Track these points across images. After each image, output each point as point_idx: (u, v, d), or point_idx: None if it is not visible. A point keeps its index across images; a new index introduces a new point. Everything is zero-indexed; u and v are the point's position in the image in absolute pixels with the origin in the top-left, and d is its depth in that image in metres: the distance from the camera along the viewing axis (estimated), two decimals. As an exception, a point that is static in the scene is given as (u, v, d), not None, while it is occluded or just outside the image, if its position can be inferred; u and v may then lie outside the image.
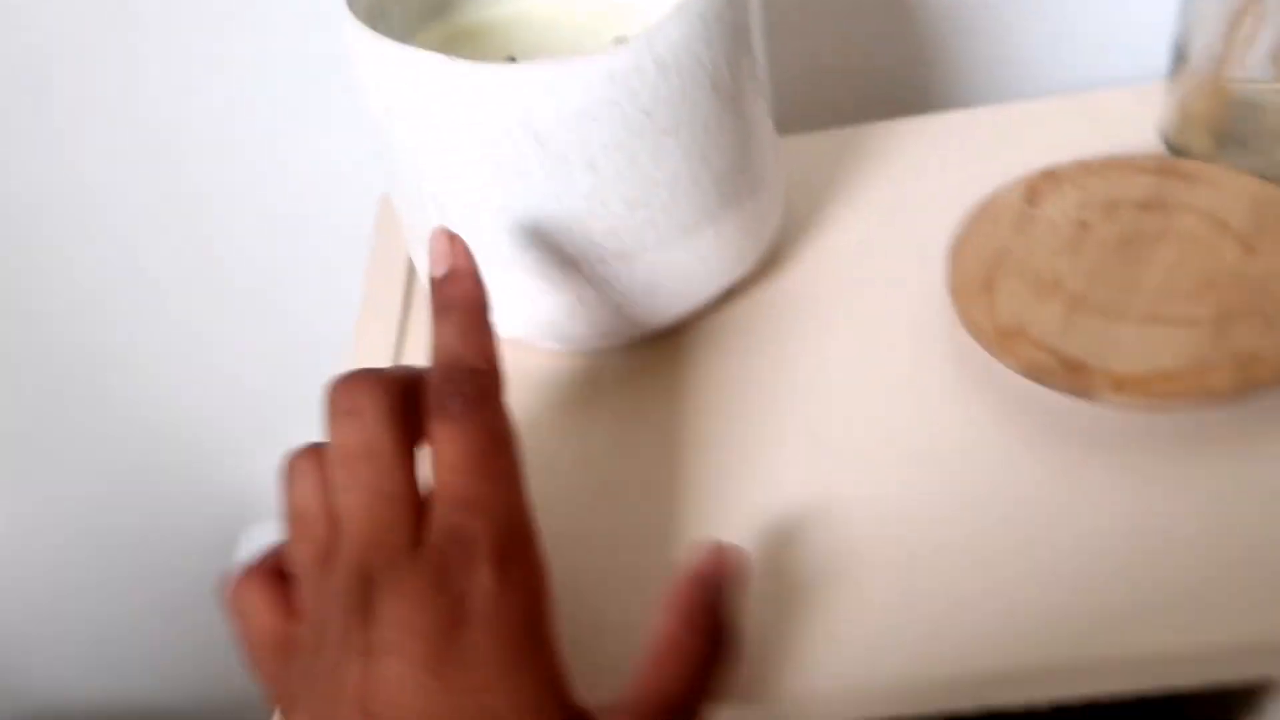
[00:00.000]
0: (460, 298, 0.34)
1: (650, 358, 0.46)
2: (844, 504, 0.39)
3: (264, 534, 0.86)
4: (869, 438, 0.41)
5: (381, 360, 0.49)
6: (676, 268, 0.43)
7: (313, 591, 0.31)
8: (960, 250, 0.44)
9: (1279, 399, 0.39)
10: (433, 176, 0.41)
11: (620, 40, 0.43)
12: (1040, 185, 0.46)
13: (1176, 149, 0.49)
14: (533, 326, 0.44)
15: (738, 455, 0.41)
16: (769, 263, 0.48)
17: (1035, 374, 0.39)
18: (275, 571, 0.33)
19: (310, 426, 0.35)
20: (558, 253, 0.41)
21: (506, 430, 0.32)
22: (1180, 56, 0.47)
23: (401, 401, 0.32)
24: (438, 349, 0.33)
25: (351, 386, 0.32)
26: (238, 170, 0.64)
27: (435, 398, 0.31)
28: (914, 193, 0.50)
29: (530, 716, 0.28)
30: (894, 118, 0.55)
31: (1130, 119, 0.51)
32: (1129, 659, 0.33)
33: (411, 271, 0.53)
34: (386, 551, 0.29)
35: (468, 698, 0.28)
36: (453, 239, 0.35)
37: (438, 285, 0.35)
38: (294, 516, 0.32)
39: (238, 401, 0.80)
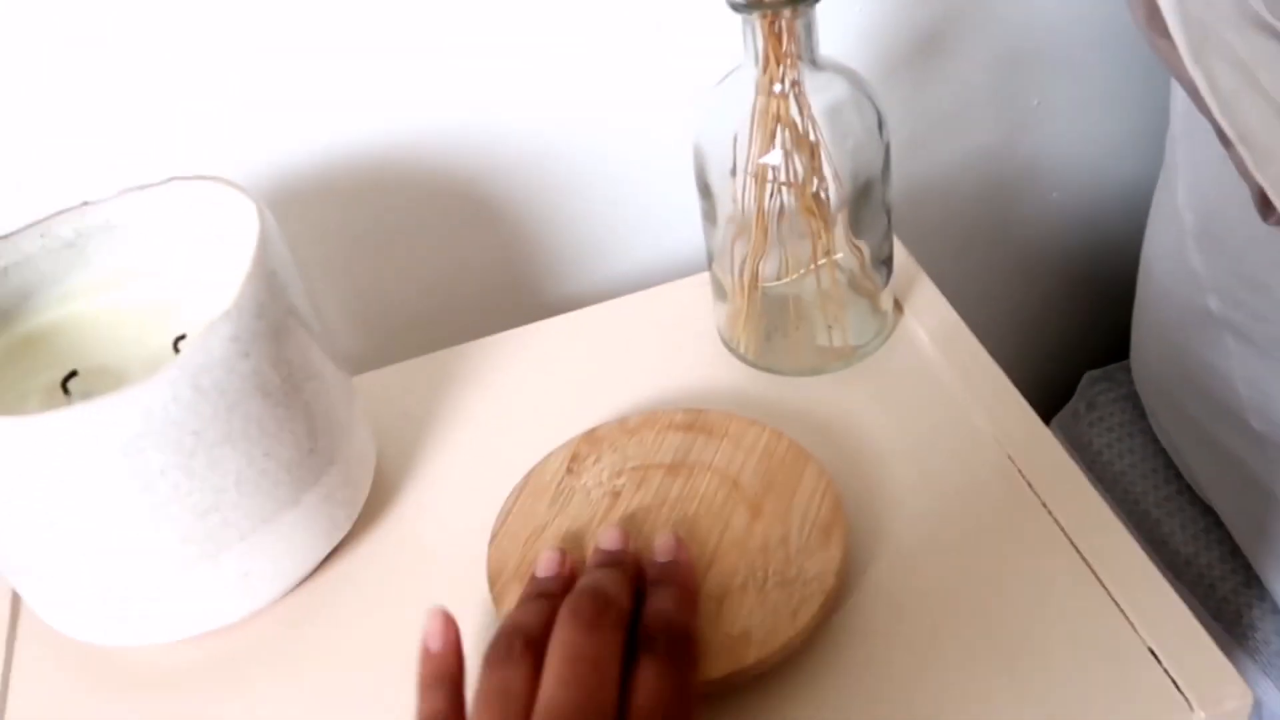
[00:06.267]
0: (683, 580, 0.42)
1: (266, 632, 0.47)
2: None
3: None
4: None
5: None
6: (267, 553, 0.44)
7: None
8: (499, 538, 0.47)
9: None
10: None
11: (182, 338, 0.44)
12: (581, 449, 0.50)
13: (730, 344, 0.54)
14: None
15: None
16: (372, 511, 0.50)
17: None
18: None
19: None
20: (140, 564, 0.42)
21: (693, 689, 0.38)
22: (710, 259, 0.52)
23: (625, 635, 0.38)
24: (656, 610, 0.39)
25: (598, 607, 0.38)
26: None
27: (647, 638, 0.38)
28: (503, 406, 0.54)
29: None
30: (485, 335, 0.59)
31: (691, 305, 0.56)
32: None
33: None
34: None
35: None
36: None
37: (661, 568, 0.42)
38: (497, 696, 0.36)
39: None
